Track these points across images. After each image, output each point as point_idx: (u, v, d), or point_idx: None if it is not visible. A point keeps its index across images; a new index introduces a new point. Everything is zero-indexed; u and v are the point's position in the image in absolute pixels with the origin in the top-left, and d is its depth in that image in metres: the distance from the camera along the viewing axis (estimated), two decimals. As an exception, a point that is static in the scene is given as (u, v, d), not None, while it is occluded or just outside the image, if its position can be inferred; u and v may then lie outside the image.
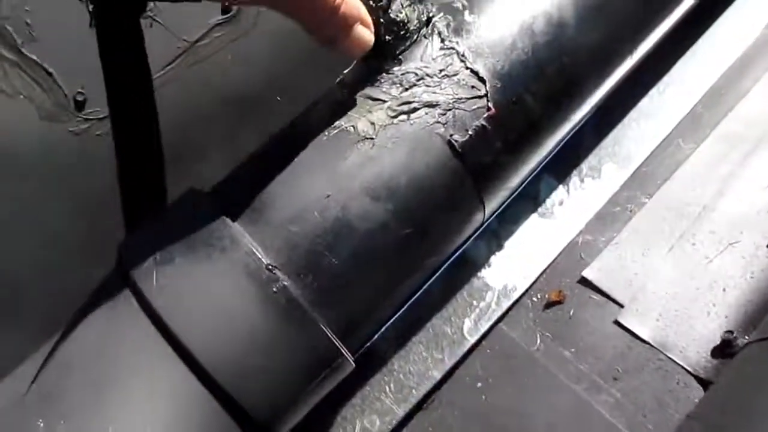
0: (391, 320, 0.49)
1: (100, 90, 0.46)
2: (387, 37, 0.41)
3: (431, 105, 0.41)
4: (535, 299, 0.52)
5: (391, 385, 0.49)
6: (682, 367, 0.46)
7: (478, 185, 0.43)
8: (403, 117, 0.41)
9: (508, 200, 0.51)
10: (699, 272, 0.49)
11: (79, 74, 0.45)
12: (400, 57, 0.42)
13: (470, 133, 0.41)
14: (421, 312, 0.51)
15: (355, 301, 0.40)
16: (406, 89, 0.41)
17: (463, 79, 0.41)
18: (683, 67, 0.59)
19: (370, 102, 0.41)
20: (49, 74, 0.45)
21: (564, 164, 0.55)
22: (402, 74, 0.41)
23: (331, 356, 0.39)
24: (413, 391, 0.49)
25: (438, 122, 0.41)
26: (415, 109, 0.41)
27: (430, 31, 0.42)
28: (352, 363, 0.41)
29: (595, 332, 0.49)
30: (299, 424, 0.41)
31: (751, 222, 0.50)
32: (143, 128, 0.48)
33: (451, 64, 0.41)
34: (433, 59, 0.42)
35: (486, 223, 0.50)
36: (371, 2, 0.40)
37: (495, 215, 0.52)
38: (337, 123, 0.41)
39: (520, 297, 0.52)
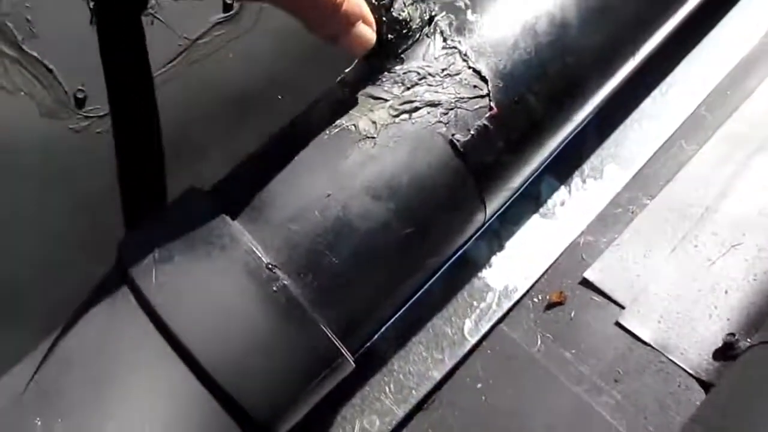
0: (392, 320, 0.49)
1: (100, 87, 0.46)
2: (389, 36, 0.41)
3: (433, 104, 0.41)
4: (536, 300, 0.51)
5: (391, 386, 0.49)
6: (684, 370, 0.46)
7: (480, 185, 0.43)
8: (405, 116, 0.40)
9: (510, 200, 0.51)
10: (701, 274, 0.49)
11: (80, 71, 0.45)
12: (402, 56, 0.42)
13: (472, 132, 0.41)
14: (422, 312, 0.51)
15: (355, 301, 0.40)
16: (408, 88, 0.41)
17: (466, 79, 0.41)
18: (686, 68, 0.59)
19: (372, 101, 0.41)
20: (50, 71, 0.44)
21: (566, 165, 0.55)
22: (404, 73, 0.41)
23: (330, 356, 0.39)
24: (413, 391, 0.49)
25: (440, 122, 0.40)
26: (416, 109, 0.40)
27: (432, 30, 0.42)
28: (352, 363, 0.40)
29: (596, 334, 0.49)
30: (298, 423, 0.41)
31: (753, 224, 0.50)
32: (143, 126, 0.48)
33: (453, 63, 0.41)
34: (435, 58, 0.42)
35: (487, 223, 0.50)
36: (374, 0, 0.40)
37: (496, 215, 0.52)
38: (338, 122, 0.40)
39: (521, 298, 0.51)
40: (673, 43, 0.55)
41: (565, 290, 0.51)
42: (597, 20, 0.45)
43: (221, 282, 0.37)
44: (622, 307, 0.49)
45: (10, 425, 0.36)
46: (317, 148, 0.40)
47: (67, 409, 0.36)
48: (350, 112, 0.41)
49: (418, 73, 0.41)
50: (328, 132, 0.40)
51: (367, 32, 0.39)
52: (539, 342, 0.50)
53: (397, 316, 0.49)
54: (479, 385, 0.49)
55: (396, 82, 0.41)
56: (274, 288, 0.37)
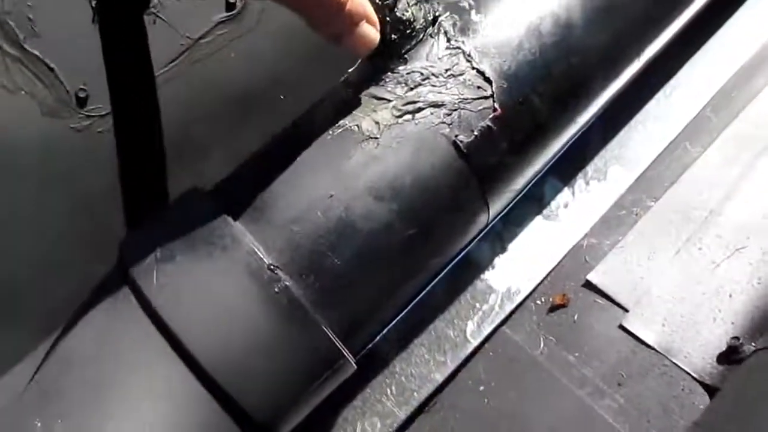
0: (394, 322, 0.49)
1: (102, 86, 0.46)
2: (393, 36, 0.41)
3: (436, 105, 0.40)
4: (539, 302, 0.51)
5: (393, 388, 0.49)
6: (687, 373, 0.46)
7: (483, 186, 0.43)
8: (408, 117, 0.40)
9: (513, 202, 0.51)
10: (705, 277, 0.49)
11: (82, 70, 0.45)
12: (406, 56, 0.42)
13: (476, 133, 0.41)
14: (424, 314, 0.51)
15: (357, 302, 0.40)
16: (412, 89, 0.41)
17: (469, 79, 0.41)
18: (691, 70, 0.59)
19: (375, 101, 0.41)
20: (51, 70, 0.44)
21: (569, 166, 0.55)
22: (407, 73, 0.41)
23: (332, 357, 0.39)
24: (415, 393, 0.48)
25: (443, 122, 0.40)
26: (420, 109, 0.40)
27: (436, 31, 0.42)
28: (354, 365, 0.40)
29: (599, 336, 0.49)
30: (299, 425, 0.41)
31: (758, 227, 0.50)
32: (145, 126, 0.48)
33: (457, 63, 0.41)
34: (439, 59, 0.41)
35: (490, 225, 0.50)
36: (377, 0, 0.39)
37: (499, 217, 0.52)
38: (341, 122, 0.40)
39: (524, 300, 0.51)
40: (678, 44, 0.55)
41: (568, 293, 0.51)
42: (602, 21, 0.44)
43: (222, 283, 0.37)
44: (626, 310, 0.49)
45: (10, 425, 0.36)
46: (320, 148, 0.40)
47: (67, 409, 0.36)
48: (353, 112, 0.40)
49: (422, 74, 0.41)
50: (330, 132, 0.40)
51: (371, 32, 0.39)
52: (542, 344, 0.49)
53: (399, 317, 0.49)
54: (481, 388, 0.49)
55: (399, 83, 0.41)
56: (276, 289, 0.37)
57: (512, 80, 0.42)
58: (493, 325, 0.50)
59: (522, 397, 0.47)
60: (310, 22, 0.37)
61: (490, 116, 0.41)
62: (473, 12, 0.42)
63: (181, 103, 0.48)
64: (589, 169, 0.56)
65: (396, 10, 0.40)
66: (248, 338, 0.37)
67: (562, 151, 0.51)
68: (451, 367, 0.49)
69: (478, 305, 0.51)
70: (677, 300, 0.48)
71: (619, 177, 0.55)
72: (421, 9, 0.41)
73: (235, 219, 0.38)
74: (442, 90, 0.41)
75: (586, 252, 0.53)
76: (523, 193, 0.51)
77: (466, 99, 0.41)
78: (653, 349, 0.47)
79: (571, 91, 0.44)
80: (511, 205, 0.51)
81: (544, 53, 0.42)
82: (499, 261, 0.52)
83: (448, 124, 0.40)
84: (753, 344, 0.45)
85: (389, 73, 0.41)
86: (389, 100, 0.40)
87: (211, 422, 0.36)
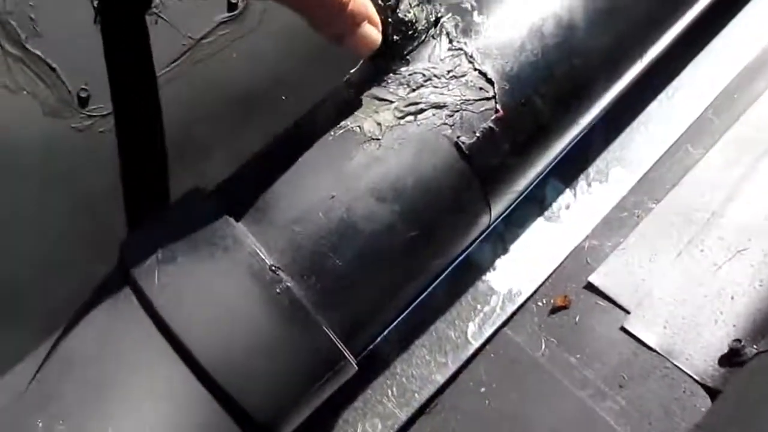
0: (395, 323, 0.49)
1: (103, 86, 0.46)
2: (395, 37, 0.41)
3: (438, 106, 0.40)
4: (540, 304, 0.51)
5: (394, 389, 0.49)
6: (689, 375, 0.46)
7: (485, 188, 0.43)
8: (410, 118, 0.40)
9: (515, 203, 0.51)
10: (707, 279, 0.49)
11: (83, 70, 0.45)
12: (408, 57, 0.41)
13: (478, 135, 0.41)
14: (425, 315, 0.51)
15: (359, 304, 0.40)
16: (414, 90, 0.41)
17: (471, 81, 0.41)
18: (693, 71, 0.59)
19: (377, 102, 0.41)
20: (53, 70, 0.44)
21: (571, 168, 0.55)
22: (409, 75, 0.41)
23: (333, 359, 0.39)
24: (416, 395, 0.48)
25: (445, 124, 0.40)
26: (422, 110, 0.40)
27: (438, 32, 0.42)
28: (355, 366, 0.40)
29: (600, 338, 0.49)
30: (300, 426, 0.41)
31: (760, 229, 0.50)
32: (147, 126, 0.48)
33: (459, 65, 0.41)
34: (441, 60, 0.41)
35: (492, 226, 0.49)
36: (380, 1, 0.39)
37: (501, 218, 0.52)
38: (343, 123, 0.40)
39: (525, 301, 0.51)
40: (680, 45, 0.54)
41: (570, 294, 0.51)
42: (604, 22, 0.44)
43: (224, 283, 0.37)
44: (627, 312, 0.49)
45: (12, 425, 0.36)
46: (322, 149, 0.40)
47: (68, 409, 0.36)
48: (355, 113, 0.40)
49: (424, 75, 0.41)
50: (332, 133, 0.40)
51: (373, 33, 0.39)
52: (543, 346, 0.49)
53: (400, 318, 0.49)
54: (482, 389, 0.48)
55: (401, 84, 0.41)
56: (278, 290, 0.37)
57: (514, 81, 0.42)
58: (495, 327, 0.50)
59: (523, 398, 0.47)
60: (311, 23, 0.37)
61: (492, 117, 0.41)
62: (475, 13, 0.42)
63: (182, 103, 0.48)
64: (591, 170, 0.56)
65: (398, 11, 0.40)
66: (249, 339, 0.37)
67: (563, 153, 0.50)
68: (452, 368, 0.49)
69: (479, 306, 0.51)
70: (679, 302, 0.48)
71: (620, 178, 0.55)
72: (423, 10, 0.41)
73: (236, 219, 0.38)
74: (444, 91, 0.41)
75: (587, 254, 0.53)
76: (524, 194, 0.51)
77: (468, 100, 0.41)
78: (655, 351, 0.47)
79: (573, 92, 0.44)
80: (512, 207, 0.51)
81: (547, 54, 0.42)
82: (500, 262, 0.52)
83: (450, 126, 0.40)
84: (755, 346, 0.44)
85: (391, 74, 0.41)
86: (391, 101, 0.40)
87: (212, 423, 0.36)
